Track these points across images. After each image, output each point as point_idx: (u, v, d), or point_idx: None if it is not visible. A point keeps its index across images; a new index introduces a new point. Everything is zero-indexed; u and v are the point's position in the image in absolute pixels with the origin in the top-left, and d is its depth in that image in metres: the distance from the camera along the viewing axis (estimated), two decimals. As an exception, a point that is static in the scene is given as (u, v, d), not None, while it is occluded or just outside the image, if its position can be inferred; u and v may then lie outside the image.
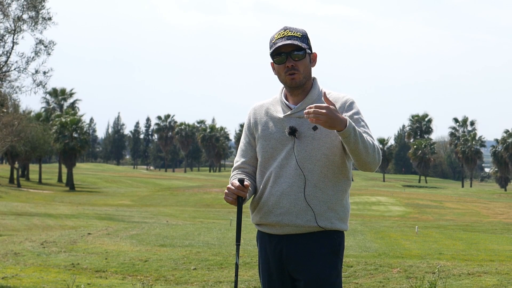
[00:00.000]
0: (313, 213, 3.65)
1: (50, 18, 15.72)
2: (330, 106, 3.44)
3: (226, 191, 3.66)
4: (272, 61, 3.76)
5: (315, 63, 3.79)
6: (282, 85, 3.82)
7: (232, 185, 3.64)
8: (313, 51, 3.78)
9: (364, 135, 3.57)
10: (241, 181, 3.65)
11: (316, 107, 3.44)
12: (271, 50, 3.71)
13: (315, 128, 3.66)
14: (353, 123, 3.49)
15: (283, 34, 3.70)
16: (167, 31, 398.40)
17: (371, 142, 3.58)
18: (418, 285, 9.47)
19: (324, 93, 3.56)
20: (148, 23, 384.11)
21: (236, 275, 3.74)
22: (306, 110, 3.46)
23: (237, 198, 3.65)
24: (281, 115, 3.75)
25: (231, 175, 3.86)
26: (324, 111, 3.41)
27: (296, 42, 3.66)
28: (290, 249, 3.70)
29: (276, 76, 3.79)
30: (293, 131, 3.67)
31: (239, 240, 3.77)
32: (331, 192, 3.68)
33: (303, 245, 3.69)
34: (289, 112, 3.72)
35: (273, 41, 3.72)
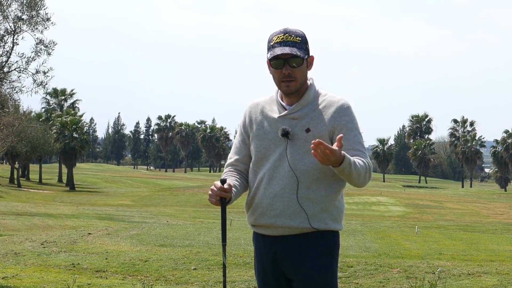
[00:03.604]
0: (306, 214, 3.66)
1: (48, 19, 15.74)
2: (336, 150, 3.40)
3: (209, 192, 3.66)
4: (268, 59, 3.71)
5: (312, 66, 3.76)
6: None
7: (214, 186, 3.64)
8: (310, 55, 3.74)
9: (357, 160, 3.56)
10: (223, 181, 3.64)
11: (324, 147, 3.39)
12: (269, 55, 3.67)
13: (308, 130, 3.66)
14: (348, 158, 3.47)
15: (283, 38, 3.66)
16: (167, 32, 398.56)
17: (363, 165, 3.57)
18: (418, 285, 9.47)
19: (340, 137, 3.46)
20: (148, 23, 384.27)
21: (224, 275, 3.78)
22: (313, 146, 3.40)
23: (220, 199, 3.65)
24: (275, 115, 3.74)
25: (223, 172, 3.88)
26: (329, 155, 3.40)
27: (295, 51, 3.62)
28: (284, 250, 3.71)
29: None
30: (285, 133, 3.66)
31: (225, 240, 3.77)
32: (323, 193, 3.67)
33: (297, 245, 3.69)
34: (283, 113, 3.72)
35: (271, 43, 3.68)
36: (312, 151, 3.42)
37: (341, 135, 3.48)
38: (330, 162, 3.43)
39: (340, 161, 3.44)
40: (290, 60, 3.63)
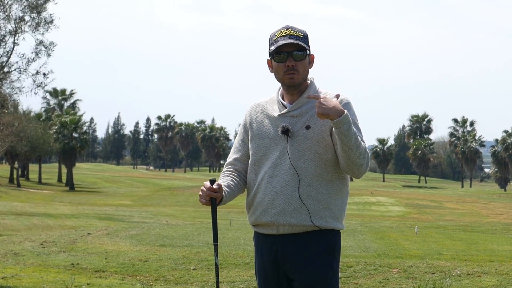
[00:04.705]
0: (308, 212, 3.65)
1: (51, 21, 15.76)
2: (328, 98, 3.56)
3: (200, 193, 3.68)
4: (269, 58, 3.75)
5: (312, 64, 3.80)
6: (279, 84, 3.82)
7: (204, 186, 3.67)
8: (311, 53, 3.78)
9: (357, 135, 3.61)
10: (212, 181, 3.67)
11: (314, 96, 3.57)
12: (273, 47, 3.70)
13: (308, 127, 3.67)
14: (349, 118, 3.51)
15: (286, 32, 3.70)
16: (167, 32, 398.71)
17: (363, 145, 3.59)
18: (419, 285, 9.47)
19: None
20: (148, 24, 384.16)
21: (217, 275, 3.78)
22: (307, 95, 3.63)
23: (210, 200, 3.66)
24: (276, 113, 3.77)
25: (223, 171, 3.91)
26: (326, 98, 3.54)
27: (299, 42, 3.67)
28: (286, 249, 3.71)
29: (272, 74, 3.79)
30: (285, 131, 3.68)
31: (216, 241, 3.77)
32: (325, 191, 3.68)
33: (298, 244, 3.69)
34: (283, 111, 3.74)
35: (274, 39, 3.72)
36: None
37: (325, 90, 3.75)
38: (327, 108, 3.49)
39: (339, 113, 3.49)
40: (293, 53, 3.68)
